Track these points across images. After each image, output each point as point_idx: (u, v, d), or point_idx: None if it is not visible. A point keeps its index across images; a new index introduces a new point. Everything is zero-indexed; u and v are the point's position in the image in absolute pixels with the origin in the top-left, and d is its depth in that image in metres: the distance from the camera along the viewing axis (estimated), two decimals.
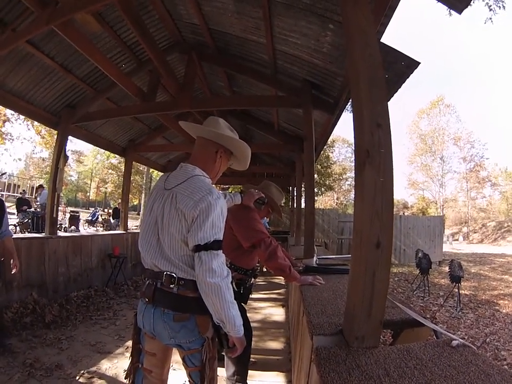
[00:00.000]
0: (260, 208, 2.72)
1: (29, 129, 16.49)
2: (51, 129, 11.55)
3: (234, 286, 2.73)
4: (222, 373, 3.01)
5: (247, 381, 2.96)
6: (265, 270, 9.72)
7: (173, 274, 1.67)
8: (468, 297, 8.66)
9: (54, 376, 3.14)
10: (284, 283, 7.77)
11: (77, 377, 3.15)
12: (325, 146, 10.65)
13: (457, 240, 37.16)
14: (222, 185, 18.88)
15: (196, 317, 1.69)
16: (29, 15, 3.89)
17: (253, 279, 3.04)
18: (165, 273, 1.68)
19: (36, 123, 15.41)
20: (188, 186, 1.69)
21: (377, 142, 1.33)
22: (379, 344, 1.36)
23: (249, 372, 3.04)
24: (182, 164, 1.84)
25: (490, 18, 11.74)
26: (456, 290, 7.62)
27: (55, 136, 6.25)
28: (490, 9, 11.28)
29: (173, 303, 1.69)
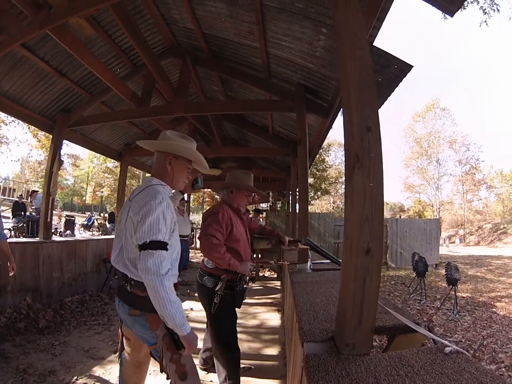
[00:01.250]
0: (197, 188, 2.74)
1: (26, 133, 16.46)
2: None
3: (223, 287, 2.77)
4: (215, 378, 3.00)
5: None
6: (262, 275, 9.74)
7: (127, 274, 1.94)
8: (464, 300, 8.66)
9: (47, 382, 3.12)
10: (279, 288, 7.75)
11: (70, 383, 3.12)
12: (321, 150, 10.67)
13: (453, 242, 37.26)
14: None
15: (146, 314, 1.92)
16: (24, 19, 3.88)
17: (245, 284, 3.04)
18: (122, 273, 1.97)
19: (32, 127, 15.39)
20: (141, 195, 1.92)
21: (367, 146, 1.32)
22: (370, 351, 1.34)
23: (244, 377, 3.03)
24: (146, 177, 2.04)
25: (485, 21, 11.78)
26: (453, 293, 7.61)
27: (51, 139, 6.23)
28: (485, 13, 11.33)
29: (127, 299, 1.99)
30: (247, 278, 3.04)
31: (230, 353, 2.89)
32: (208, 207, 36.59)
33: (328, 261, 3.86)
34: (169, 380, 1.99)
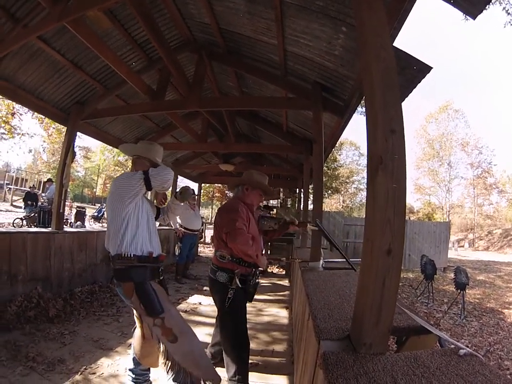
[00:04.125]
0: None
1: (40, 124, 16.54)
2: (59, 125, 11.55)
3: (238, 282, 2.80)
4: (223, 373, 3.01)
5: (249, 382, 2.94)
6: (271, 271, 9.76)
7: (110, 252, 2.47)
8: (472, 305, 8.61)
9: (56, 371, 3.15)
10: (288, 285, 7.76)
11: (79, 373, 3.15)
12: (333, 149, 10.63)
13: (462, 246, 36.99)
14: (226, 185, 18.99)
15: (123, 284, 2.37)
16: (41, 11, 3.90)
17: (257, 279, 3.07)
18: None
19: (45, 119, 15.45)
20: None
21: (391, 148, 1.32)
22: (386, 351, 1.35)
23: (251, 373, 3.03)
24: None
25: (510, 22, 11.63)
26: (461, 297, 7.58)
27: (63, 133, 6.28)
28: (509, 13, 11.21)
29: (113, 271, 2.45)
30: (259, 272, 3.07)
31: (240, 349, 2.91)
32: (218, 202, 36.69)
33: (341, 260, 3.87)
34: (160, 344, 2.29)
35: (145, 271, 2.41)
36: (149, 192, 2.77)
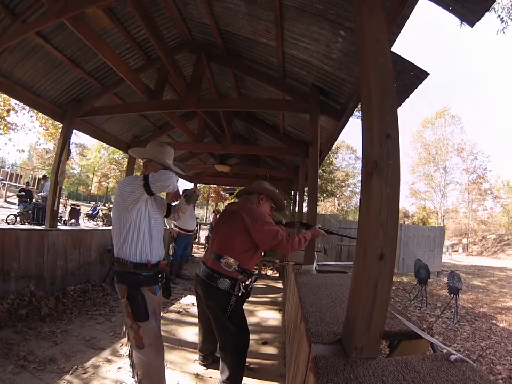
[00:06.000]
0: (191, 202, 2.90)
1: (32, 122, 16.41)
2: (55, 121, 11.49)
3: (242, 288, 2.80)
4: (216, 375, 3.00)
5: None
6: (264, 273, 9.78)
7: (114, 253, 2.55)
8: (465, 310, 8.62)
9: (47, 370, 3.13)
10: (281, 287, 7.76)
11: (70, 372, 3.13)
12: (329, 152, 10.65)
13: (456, 251, 37.10)
14: (224, 186, 19.00)
15: (119, 284, 2.49)
16: (40, 7, 3.89)
17: (252, 283, 3.06)
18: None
19: (40, 115, 15.32)
20: None
21: (386, 153, 1.32)
22: (378, 355, 1.35)
23: (243, 376, 3.02)
24: None
25: (503, 30, 11.66)
26: (454, 302, 7.59)
27: (59, 129, 6.24)
28: (503, 21, 11.24)
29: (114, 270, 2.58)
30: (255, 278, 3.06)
31: (240, 354, 2.90)
32: (213, 203, 36.58)
33: (334, 263, 3.88)
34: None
35: (140, 278, 2.49)
36: None
